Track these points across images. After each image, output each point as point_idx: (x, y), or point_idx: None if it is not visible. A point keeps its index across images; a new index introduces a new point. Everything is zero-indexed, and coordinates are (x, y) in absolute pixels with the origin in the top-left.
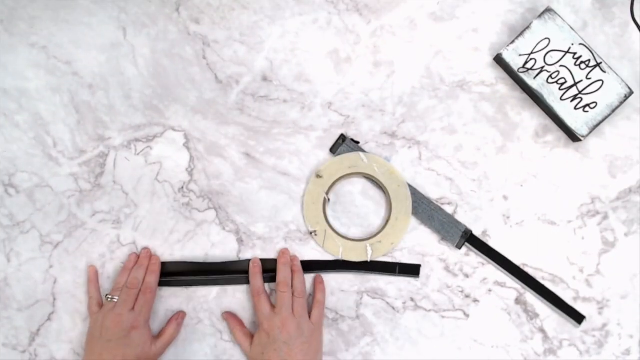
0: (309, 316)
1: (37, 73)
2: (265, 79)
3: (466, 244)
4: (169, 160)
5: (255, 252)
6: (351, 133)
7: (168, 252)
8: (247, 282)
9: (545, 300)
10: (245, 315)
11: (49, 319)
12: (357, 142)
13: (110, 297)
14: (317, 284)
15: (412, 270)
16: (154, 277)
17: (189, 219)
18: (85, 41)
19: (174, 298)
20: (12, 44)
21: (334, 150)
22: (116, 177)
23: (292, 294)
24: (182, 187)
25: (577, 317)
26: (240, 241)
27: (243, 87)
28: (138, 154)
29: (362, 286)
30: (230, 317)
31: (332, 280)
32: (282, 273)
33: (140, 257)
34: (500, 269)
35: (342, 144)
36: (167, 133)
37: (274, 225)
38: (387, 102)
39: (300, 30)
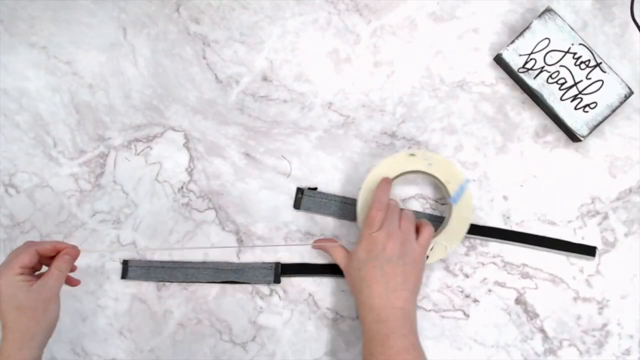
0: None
1: (37, 73)
2: (265, 79)
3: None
4: (169, 160)
5: (255, 252)
6: (351, 133)
7: (168, 253)
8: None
9: (552, 250)
10: (244, 314)
11: None
12: (315, 189)
13: None
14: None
15: None
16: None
17: (188, 219)
18: (85, 41)
19: (172, 299)
20: (12, 44)
21: (296, 205)
22: (116, 177)
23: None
24: (182, 187)
25: (589, 251)
26: (240, 241)
27: (243, 87)
28: (138, 154)
29: None
30: (320, 241)
31: (332, 280)
32: (387, 199)
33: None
34: (498, 240)
35: (302, 197)
36: (167, 133)
37: (274, 225)
38: (387, 102)
39: (300, 30)
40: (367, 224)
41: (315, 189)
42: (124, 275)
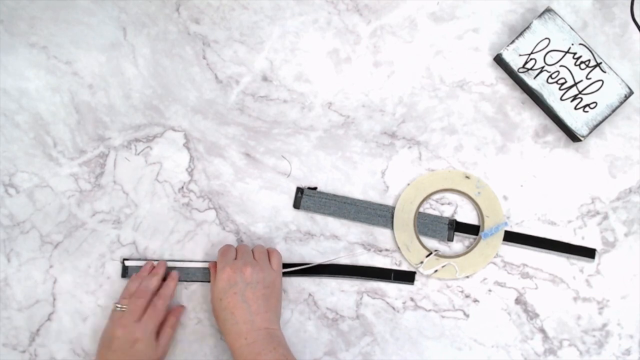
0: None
1: (37, 73)
2: (265, 79)
3: (456, 233)
4: (169, 160)
5: None
6: (351, 133)
7: (168, 253)
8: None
9: (552, 251)
10: None
11: (49, 319)
12: (315, 188)
13: (119, 306)
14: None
15: (406, 277)
16: (167, 289)
17: (189, 219)
18: (85, 41)
19: (172, 299)
20: (12, 44)
21: (296, 205)
22: (116, 177)
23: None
24: (182, 187)
25: (589, 253)
26: (240, 241)
27: (243, 87)
28: (138, 154)
29: (362, 286)
30: (212, 266)
31: (332, 280)
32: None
33: (157, 266)
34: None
35: (302, 196)
36: (167, 133)
37: (274, 225)
38: (387, 102)
39: (300, 30)
40: (221, 255)
41: (315, 188)
42: (124, 275)
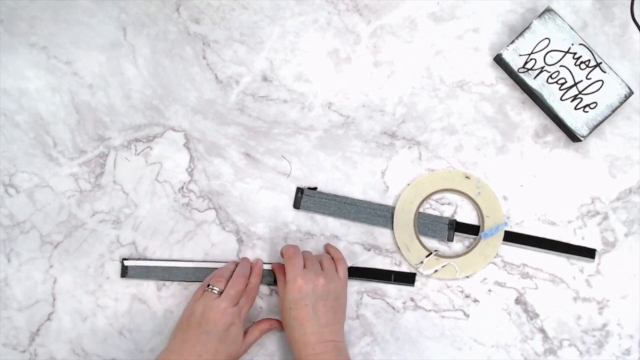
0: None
1: (37, 73)
2: (265, 79)
3: (456, 233)
4: (169, 160)
5: (255, 252)
6: (351, 133)
7: (167, 252)
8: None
9: (552, 251)
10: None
11: (48, 319)
12: (315, 189)
13: (211, 287)
14: (327, 246)
15: (407, 278)
16: (257, 279)
17: (188, 219)
18: (85, 41)
19: (172, 299)
20: (12, 44)
21: (296, 205)
22: (116, 177)
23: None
24: (182, 187)
25: (589, 253)
26: (240, 241)
27: (243, 87)
28: (138, 154)
29: (362, 286)
30: (277, 268)
31: None
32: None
33: (243, 261)
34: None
35: (302, 197)
36: (167, 133)
37: (274, 225)
38: (387, 102)
39: (300, 30)
40: (290, 265)
41: (315, 188)
42: (124, 274)
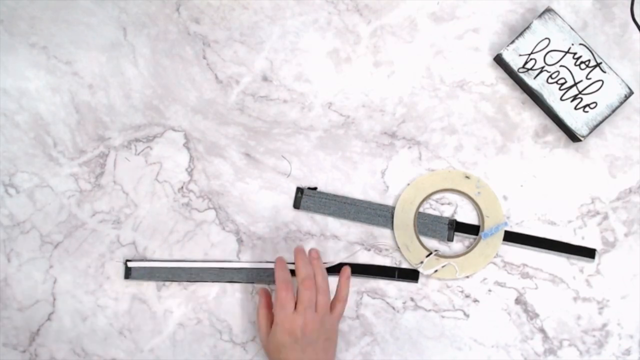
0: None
1: (37, 73)
2: (265, 79)
3: (456, 233)
4: (169, 160)
5: (255, 252)
6: (351, 133)
7: (167, 252)
8: (248, 280)
9: (552, 251)
10: (244, 314)
11: (49, 319)
12: (315, 188)
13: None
14: (343, 280)
15: (411, 275)
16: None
17: (188, 219)
18: (85, 41)
19: (172, 299)
20: (12, 44)
21: (296, 205)
22: (116, 177)
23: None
24: (182, 187)
25: (589, 253)
26: (240, 241)
27: (243, 87)
28: (138, 154)
29: (362, 286)
30: (263, 294)
31: (332, 280)
32: (305, 269)
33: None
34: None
35: (302, 196)
36: (167, 133)
37: (274, 225)
38: (387, 102)
39: (300, 30)
40: (279, 305)
41: (315, 188)
42: (127, 276)
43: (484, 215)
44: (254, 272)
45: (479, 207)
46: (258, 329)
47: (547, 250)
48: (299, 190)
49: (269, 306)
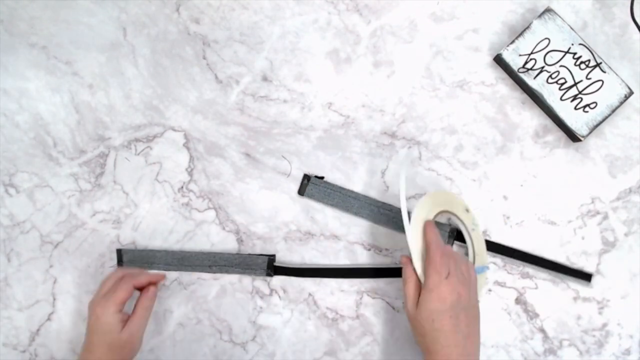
0: None
1: (37, 73)
2: (265, 79)
3: (455, 242)
4: (169, 160)
5: (255, 252)
6: (351, 133)
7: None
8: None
9: (547, 270)
10: (244, 314)
11: (49, 319)
12: (322, 178)
13: None
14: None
15: (583, 275)
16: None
17: (188, 219)
18: (85, 41)
19: (172, 299)
20: (12, 44)
21: (301, 191)
22: (116, 177)
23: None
24: (182, 187)
25: (585, 277)
26: (240, 241)
27: (243, 87)
28: (138, 154)
29: (362, 286)
30: (407, 262)
31: (332, 280)
32: (441, 240)
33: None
34: (497, 254)
35: (308, 184)
36: (167, 133)
37: (274, 225)
38: (387, 102)
39: (300, 30)
40: (434, 270)
41: (322, 177)
42: (120, 262)
43: (475, 253)
44: (245, 262)
45: (472, 242)
46: (406, 298)
47: (544, 269)
48: (306, 177)
49: (415, 275)
